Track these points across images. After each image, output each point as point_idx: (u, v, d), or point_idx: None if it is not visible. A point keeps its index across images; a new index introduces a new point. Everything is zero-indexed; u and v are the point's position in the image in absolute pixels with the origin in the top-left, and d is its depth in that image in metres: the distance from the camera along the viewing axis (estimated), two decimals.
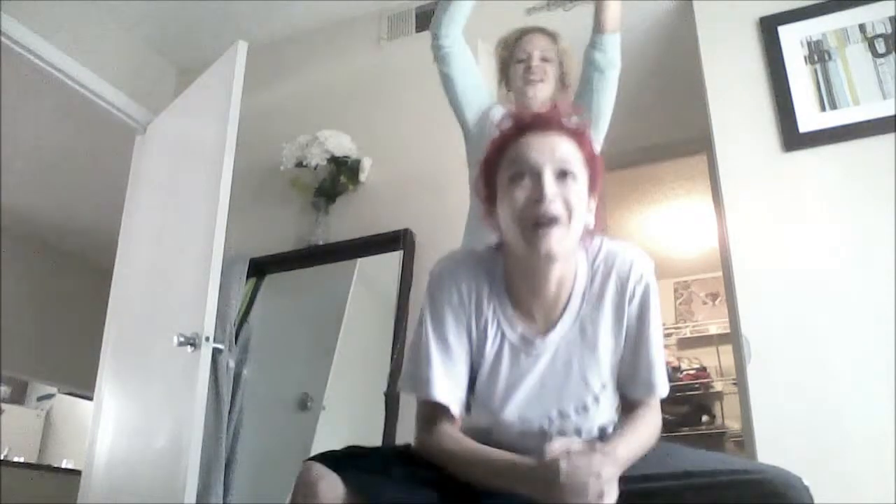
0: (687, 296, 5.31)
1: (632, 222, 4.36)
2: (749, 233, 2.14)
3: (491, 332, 1.13)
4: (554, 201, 1.04)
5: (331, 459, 1.04)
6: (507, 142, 1.11)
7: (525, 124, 1.10)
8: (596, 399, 1.12)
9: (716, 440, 4.59)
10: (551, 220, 1.04)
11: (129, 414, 2.60)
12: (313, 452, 2.44)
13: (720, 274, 2.90)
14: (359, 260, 2.66)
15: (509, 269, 1.14)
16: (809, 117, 2.17)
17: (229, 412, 2.48)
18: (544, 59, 1.78)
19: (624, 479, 0.97)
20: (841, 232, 2.04)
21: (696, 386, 4.76)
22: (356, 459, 1.06)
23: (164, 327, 2.37)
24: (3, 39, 2.64)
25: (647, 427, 1.11)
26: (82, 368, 3.39)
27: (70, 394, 5.73)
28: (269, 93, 3.04)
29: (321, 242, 2.70)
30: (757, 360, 1.99)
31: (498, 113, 1.66)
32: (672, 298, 5.30)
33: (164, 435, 2.27)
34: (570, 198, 1.05)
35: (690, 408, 4.70)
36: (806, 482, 0.98)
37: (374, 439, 2.19)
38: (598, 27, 1.69)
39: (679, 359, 4.94)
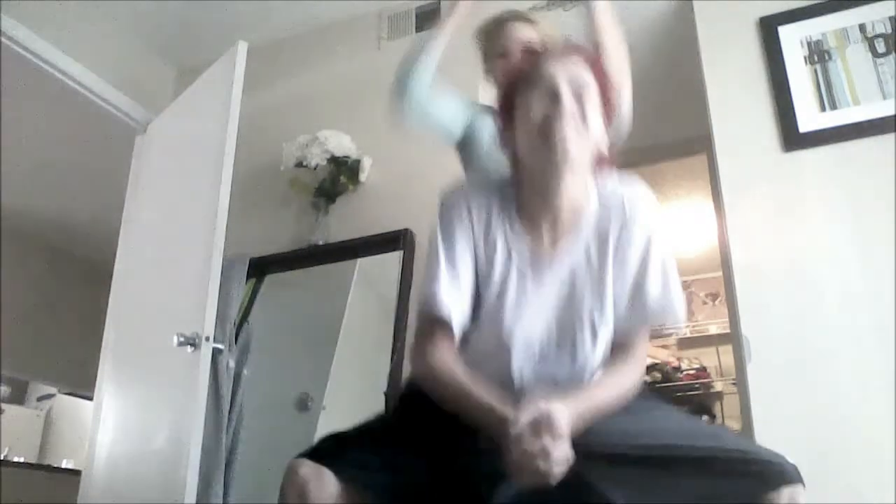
0: (687, 296, 5.30)
1: None
2: (749, 233, 2.14)
3: (499, 252, 1.15)
4: (571, 111, 1.10)
5: (317, 454, 1.06)
6: (525, 68, 1.18)
7: (541, 54, 1.19)
8: (594, 333, 1.13)
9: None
10: (567, 123, 1.09)
11: (129, 414, 2.60)
12: None
13: (720, 274, 2.90)
14: (359, 260, 2.66)
15: (522, 187, 1.16)
16: (809, 117, 2.17)
17: (229, 412, 2.48)
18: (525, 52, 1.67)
19: (601, 443, 1.01)
20: (841, 232, 2.04)
21: (696, 386, 4.76)
22: (343, 450, 1.08)
23: (164, 327, 2.36)
24: (3, 40, 2.65)
25: (627, 377, 1.12)
26: (82, 368, 3.39)
27: (70, 394, 5.72)
28: (269, 93, 3.04)
29: (321, 242, 2.70)
30: (757, 360, 1.99)
31: (486, 124, 1.65)
32: None
33: (164, 435, 2.27)
34: (586, 111, 1.11)
35: (690, 408, 4.69)
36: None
37: None
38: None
39: (679, 359, 4.94)
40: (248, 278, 2.74)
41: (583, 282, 1.14)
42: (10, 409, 5.36)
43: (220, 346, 2.38)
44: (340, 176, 2.73)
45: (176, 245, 2.60)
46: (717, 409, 4.77)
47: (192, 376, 2.17)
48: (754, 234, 2.14)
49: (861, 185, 2.06)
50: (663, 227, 1.21)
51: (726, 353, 4.52)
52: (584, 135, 1.10)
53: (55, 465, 5.25)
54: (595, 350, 1.14)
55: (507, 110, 1.18)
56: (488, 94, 1.80)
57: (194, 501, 2.07)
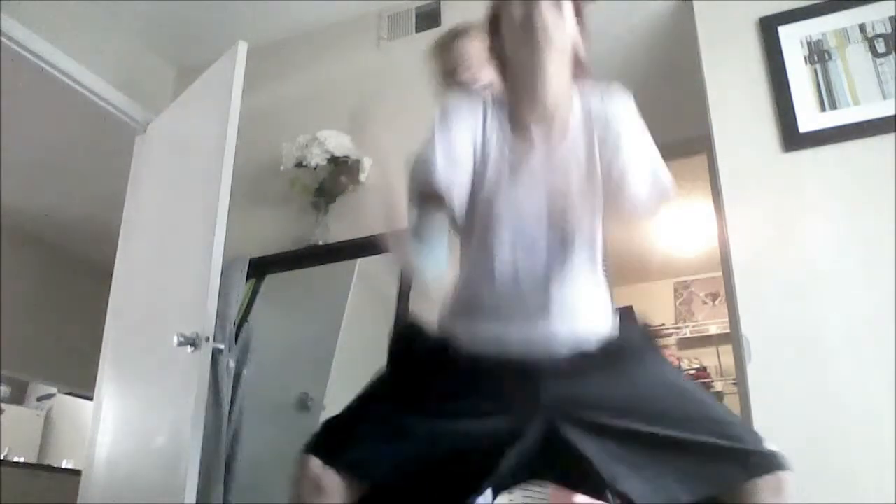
0: (687, 296, 5.31)
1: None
2: (749, 233, 2.14)
3: (493, 149, 1.22)
4: (548, 3, 1.17)
5: (323, 448, 1.09)
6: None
7: None
8: (585, 222, 1.18)
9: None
10: (546, 9, 1.16)
11: (129, 414, 2.60)
12: None
13: (720, 274, 2.90)
14: (359, 260, 2.66)
15: (512, 92, 1.24)
16: (809, 117, 2.17)
17: (229, 412, 2.48)
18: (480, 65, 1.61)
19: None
20: (841, 232, 2.04)
21: None
22: (343, 443, 1.10)
23: (164, 327, 2.37)
24: (3, 40, 2.64)
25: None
26: (82, 368, 3.39)
27: (70, 394, 5.72)
28: (269, 93, 3.04)
29: (321, 242, 2.70)
30: (757, 360, 1.99)
31: None
32: (672, 298, 5.30)
33: (164, 435, 2.27)
34: (562, 7, 1.18)
35: None
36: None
37: None
38: None
39: (679, 359, 4.94)
40: (248, 278, 2.74)
41: (573, 174, 1.20)
42: (10, 409, 5.36)
43: (220, 346, 2.38)
44: (340, 176, 2.73)
45: (176, 245, 2.60)
46: None
47: (192, 376, 2.17)
48: (754, 234, 2.14)
49: (861, 185, 2.06)
50: (638, 117, 1.29)
51: (726, 353, 4.52)
52: (561, 25, 1.17)
53: (55, 465, 5.25)
54: (585, 238, 1.19)
55: (493, 24, 1.26)
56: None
57: (194, 501, 2.06)
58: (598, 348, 1.14)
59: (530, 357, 1.12)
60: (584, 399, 1.09)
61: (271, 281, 2.79)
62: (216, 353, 2.35)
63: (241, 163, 2.54)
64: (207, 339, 2.20)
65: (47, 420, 5.73)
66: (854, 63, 2.18)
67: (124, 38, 3.19)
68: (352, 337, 2.56)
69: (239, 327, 2.64)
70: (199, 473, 2.11)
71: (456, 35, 1.76)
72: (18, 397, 5.65)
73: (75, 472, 3.25)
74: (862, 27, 2.21)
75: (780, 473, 1.00)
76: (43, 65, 2.80)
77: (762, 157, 2.19)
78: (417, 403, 1.12)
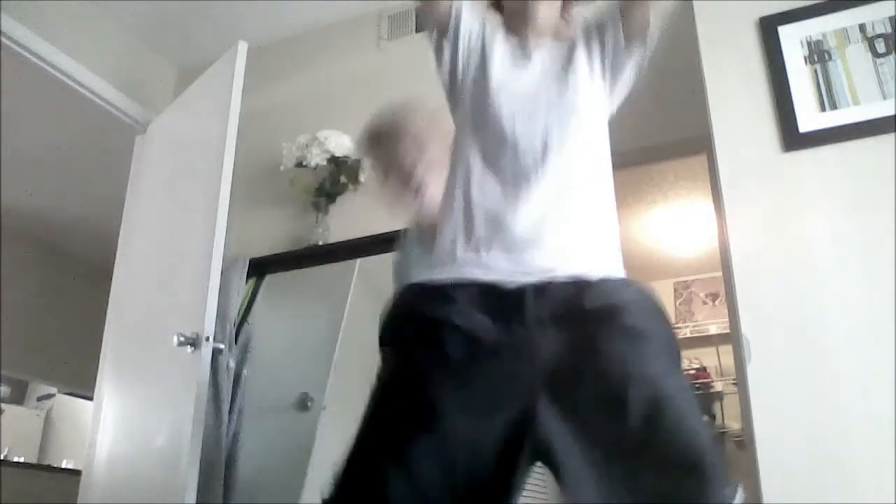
0: (687, 296, 5.31)
1: (632, 222, 4.36)
2: (749, 233, 2.14)
3: (497, 43, 1.30)
4: None
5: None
6: None
7: None
8: (581, 108, 1.24)
9: (715, 440, 4.59)
10: None
11: (129, 414, 2.60)
12: (313, 452, 2.44)
13: (720, 274, 2.90)
14: (359, 260, 2.66)
15: (506, 14, 1.36)
16: (809, 117, 2.17)
17: (229, 412, 2.48)
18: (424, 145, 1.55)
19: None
20: (841, 232, 2.04)
21: (696, 386, 4.76)
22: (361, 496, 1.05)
23: (164, 327, 2.37)
24: (3, 40, 2.65)
25: None
26: (82, 368, 3.39)
27: (70, 394, 5.72)
28: (269, 93, 3.04)
29: (321, 242, 2.70)
30: (757, 360, 1.99)
31: None
32: (672, 298, 5.30)
33: (164, 435, 2.27)
34: None
35: None
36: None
37: None
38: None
39: None
40: (248, 278, 2.74)
41: (571, 78, 1.27)
42: (10, 409, 5.36)
43: (220, 346, 2.38)
44: (340, 176, 2.73)
45: (176, 245, 2.60)
46: (717, 409, 4.77)
47: (192, 376, 2.17)
48: (754, 234, 2.13)
49: (861, 185, 2.05)
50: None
51: (726, 353, 4.53)
52: (550, 5, 1.29)
53: (55, 465, 5.25)
54: (589, 153, 1.24)
55: None
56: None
57: (194, 501, 2.07)
58: (599, 293, 1.09)
59: (518, 289, 1.08)
60: (574, 361, 1.04)
61: (271, 281, 2.79)
62: (216, 353, 2.35)
63: (241, 163, 2.54)
64: (207, 339, 2.20)
65: (47, 420, 5.73)
66: (854, 63, 2.18)
67: (124, 38, 3.19)
68: (352, 337, 2.56)
69: (239, 327, 2.64)
70: (199, 473, 2.11)
71: (390, 125, 1.67)
72: (18, 397, 5.65)
73: (75, 472, 3.25)
74: (862, 27, 2.21)
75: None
76: (43, 65, 2.80)
77: (762, 157, 2.19)
78: (420, 415, 1.06)
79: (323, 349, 2.56)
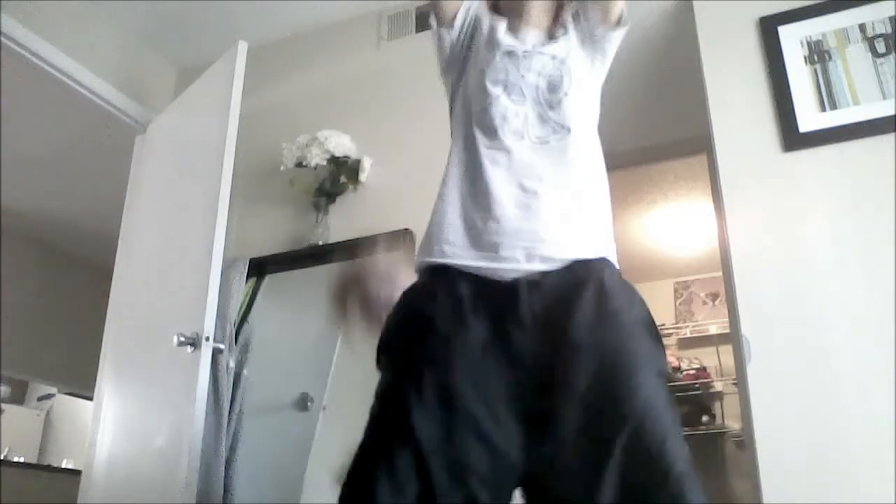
0: (687, 296, 5.31)
1: (632, 222, 4.36)
2: (749, 233, 2.14)
3: (498, 28, 1.34)
4: None
5: None
6: None
7: None
8: (571, 77, 1.26)
9: (716, 440, 4.59)
10: None
11: (129, 414, 2.60)
12: (313, 452, 2.44)
13: (720, 274, 2.90)
14: (359, 260, 2.66)
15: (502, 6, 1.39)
16: (809, 117, 2.17)
17: (229, 412, 2.48)
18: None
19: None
20: (841, 232, 2.04)
21: (696, 386, 4.76)
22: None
23: (164, 327, 2.37)
24: (3, 40, 2.64)
25: None
26: (82, 368, 3.39)
27: (70, 394, 5.72)
28: (269, 93, 3.04)
29: (321, 242, 2.70)
30: (757, 360, 1.99)
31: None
32: (672, 298, 5.30)
33: (164, 435, 2.27)
34: None
35: (690, 408, 4.70)
36: None
37: None
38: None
39: (679, 359, 4.94)
40: (248, 278, 2.74)
41: (565, 64, 1.29)
42: (10, 409, 5.36)
43: (220, 346, 2.38)
44: (340, 176, 2.73)
45: (176, 245, 2.60)
46: (717, 409, 4.77)
47: (192, 376, 2.17)
48: (754, 234, 2.14)
49: (861, 185, 2.06)
50: None
51: (726, 353, 4.52)
52: None
53: (55, 465, 5.25)
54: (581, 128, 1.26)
55: None
56: None
57: (194, 501, 2.07)
58: (587, 279, 1.11)
59: (512, 282, 1.09)
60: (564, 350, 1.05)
61: (271, 281, 2.79)
62: (216, 353, 2.35)
63: (241, 163, 2.54)
64: (207, 339, 2.20)
65: (47, 420, 5.73)
66: (854, 63, 2.18)
67: (125, 38, 3.19)
68: (352, 337, 2.56)
69: (239, 327, 2.64)
70: (199, 473, 2.11)
71: (354, 272, 1.69)
72: (18, 397, 5.65)
73: (75, 472, 3.25)
74: (862, 27, 2.21)
75: None
76: (43, 65, 2.80)
77: (762, 157, 2.19)
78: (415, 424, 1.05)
79: (323, 349, 2.56)
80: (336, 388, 2.49)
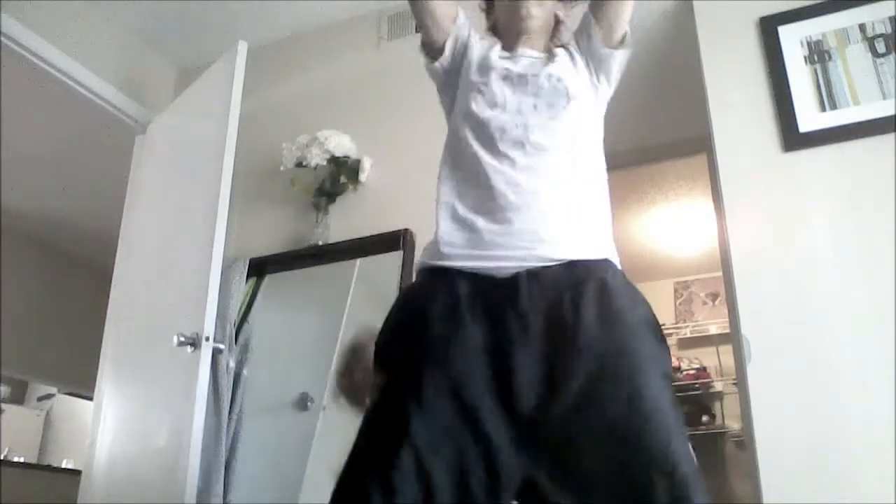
0: (687, 296, 5.31)
1: (632, 222, 4.36)
2: (749, 233, 2.14)
3: (494, 51, 1.38)
4: None
5: None
6: None
7: None
8: (567, 92, 1.29)
9: (716, 440, 4.60)
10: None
11: (129, 414, 2.60)
12: (313, 452, 2.44)
13: (720, 274, 2.90)
14: (359, 260, 2.66)
15: (501, 24, 1.45)
16: (809, 117, 2.17)
17: (229, 412, 2.48)
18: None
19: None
20: (841, 232, 2.04)
21: (696, 386, 4.76)
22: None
23: (164, 327, 2.37)
24: (3, 39, 2.64)
25: None
26: (82, 368, 3.39)
27: (70, 394, 5.73)
28: (269, 93, 3.04)
29: (321, 242, 2.70)
30: (757, 360, 1.99)
31: None
32: (672, 298, 5.30)
33: (164, 435, 2.27)
34: None
35: (690, 408, 4.70)
36: None
37: None
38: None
39: (679, 359, 4.94)
40: (248, 278, 2.74)
41: (560, 77, 1.32)
42: (10, 409, 5.36)
43: (220, 346, 2.38)
44: (340, 176, 2.73)
45: (176, 245, 2.60)
46: (717, 409, 4.77)
47: (192, 376, 2.17)
48: (754, 234, 2.13)
49: (861, 185, 2.06)
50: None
51: (726, 353, 4.52)
52: (540, 5, 1.37)
53: (55, 465, 5.25)
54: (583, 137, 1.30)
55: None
56: None
57: (194, 501, 2.07)
58: (587, 279, 1.12)
59: (512, 277, 1.10)
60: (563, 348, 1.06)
61: (271, 281, 2.79)
62: (216, 353, 2.35)
63: (241, 163, 2.54)
64: (207, 339, 2.20)
65: (47, 420, 5.73)
66: (854, 63, 2.18)
67: (124, 38, 3.19)
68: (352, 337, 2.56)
69: (239, 327, 2.64)
70: (199, 473, 2.11)
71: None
72: (18, 397, 5.66)
73: (75, 472, 3.25)
74: (862, 27, 2.21)
75: None
76: (43, 65, 2.80)
77: (762, 157, 2.19)
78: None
79: (323, 349, 2.56)
80: (336, 388, 2.49)
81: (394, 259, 2.52)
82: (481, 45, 1.40)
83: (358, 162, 2.73)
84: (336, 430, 2.44)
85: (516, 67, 1.33)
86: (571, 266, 1.12)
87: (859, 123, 2.10)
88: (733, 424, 4.49)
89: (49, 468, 5.17)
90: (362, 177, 2.73)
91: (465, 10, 1.49)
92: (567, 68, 1.34)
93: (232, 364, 2.54)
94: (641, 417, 1.01)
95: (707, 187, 3.01)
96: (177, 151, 2.88)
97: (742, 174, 2.20)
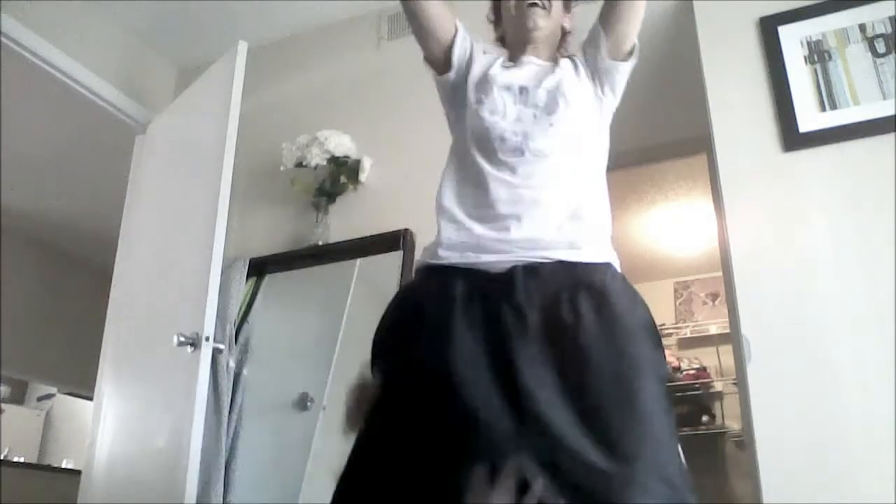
0: (687, 296, 5.31)
1: (632, 222, 4.36)
2: (749, 233, 2.14)
3: (497, 65, 1.43)
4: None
5: None
6: None
7: None
8: (567, 102, 1.32)
9: (716, 440, 4.59)
10: (535, 4, 1.41)
11: (129, 414, 2.60)
12: (313, 452, 2.44)
13: (720, 274, 2.90)
14: (359, 260, 2.66)
15: (508, 32, 1.49)
16: (809, 117, 2.17)
17: (229, 412, 2.48)
18: None
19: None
20: (841, 232, 2.04)
21: (696, 386, 4.76)
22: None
23: (164, 327, 2.37)
24: (3, 39, 2.64)
25: None
26: (82, 368, 3.39)
27: (70, 394, 5.72)
28: (269, 93, 3.04)
29: (321, 242, 2.70)
30: (757, 360, 1.99)
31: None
32: (672, 298, 5.30)
33: (164, 435, 2.27)
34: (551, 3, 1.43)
35: (690, 408, 4.70)
36: None
37: None
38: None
39: (679, 359, 4.94)
40: (248, 278, 2.74)
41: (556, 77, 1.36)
42: (10, 409, 5.36)
43: (220, 346, 2.38)
44: (340, 176, 2.73)
45: (176, 245, 2.60)
46: (717, 409, 4.77)
47: (192, 376, 2.17)
48: (754, 234, 2.14)
49: (861, 185, 2.06)
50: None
51: (726, 353, 4.52)
52: (547, 15, 1.42)
53: (55, 465, 5.25)
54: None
55: (496, 9, 1.55)
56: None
57: (194, 501, 2.07)
58: (586, 279, 1.13)
59: (508, 271, 1.12)
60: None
61: (271, 281, 2.79)
62: (216, 353, 2.35)
63: (240, 163, 2.54)
64: (207, 339, 2.20)
65: (47, 420, 5.73)
66: (854, 63, 2.18)
67: (124, 38, 3.19)
68: (352, 337, 2.56)
69: (239, 327, 2.64)
70: (199, 473, 2.11)
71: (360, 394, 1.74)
72: (18, 397, 5.65)
73: (75, 472, 3.25)
74: (862, 27, 2.21)
75: None
76: (43, 65, 2.80)
77: (762, 157, 2.19)
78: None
79: (323, 349, 2.56)
80: (336, 388, 2.49)
81: (394, 259, 2.52)
82: (484, 59, 1.44)
83: (358, 162, 2.73)
84: (336, 430, 2.44)
85: (518, 78, 1.36)
86: (570, 266, 1.13)
87: (859, 123, 2.10)
88: (733, 424, 4.49)
89: (49, 468, 5.17)
90: (362, 177, 2.73)
91: (467, 18, 1.53)
92: (569, 77, 1.36)
93: (232, 364, 2.54)
94: (635, 420, 1.01)
95: (707, 187, 3.01)
96: (177, 151, 2.88)
97: (742, 174, 2.20)
